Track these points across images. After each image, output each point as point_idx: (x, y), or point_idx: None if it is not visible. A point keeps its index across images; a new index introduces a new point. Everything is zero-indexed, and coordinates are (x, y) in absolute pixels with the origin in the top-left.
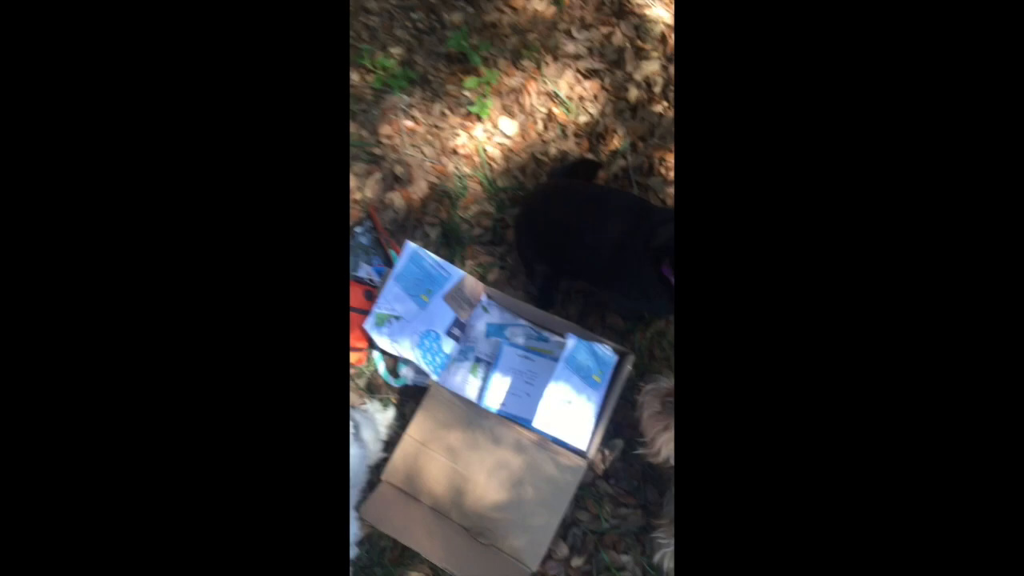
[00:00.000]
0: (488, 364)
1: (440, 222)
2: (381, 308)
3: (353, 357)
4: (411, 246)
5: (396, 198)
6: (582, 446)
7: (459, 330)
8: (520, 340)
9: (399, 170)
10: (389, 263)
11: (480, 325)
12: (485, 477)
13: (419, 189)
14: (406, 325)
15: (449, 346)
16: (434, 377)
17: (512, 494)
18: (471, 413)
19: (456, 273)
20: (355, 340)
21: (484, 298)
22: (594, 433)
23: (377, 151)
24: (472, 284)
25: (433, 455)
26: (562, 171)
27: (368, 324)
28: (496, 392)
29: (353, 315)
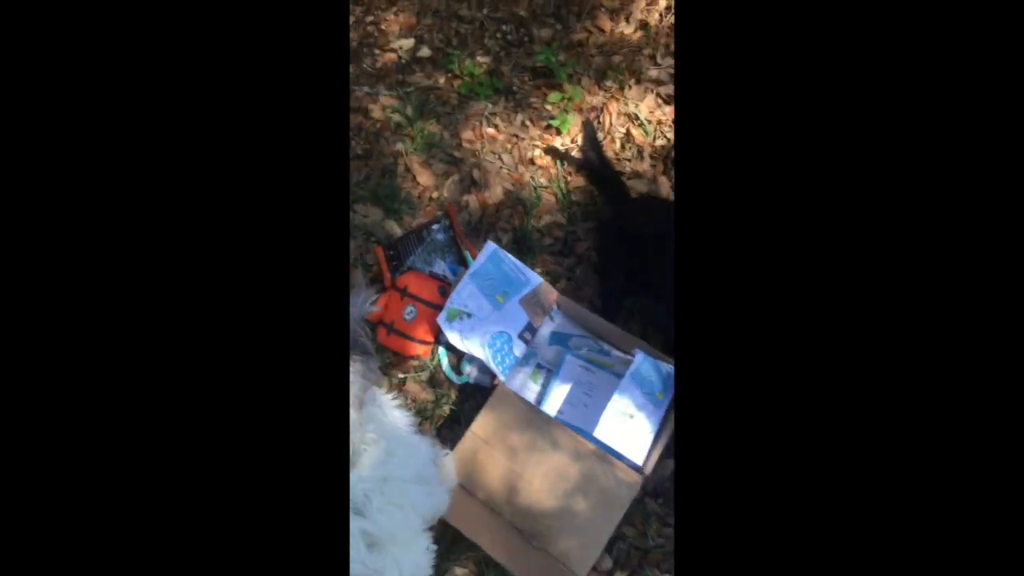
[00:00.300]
0: (548, 371)
1: (512, 229)
2: (454, 304)
3: (420, 350)
4: (491, 246)
5: (472, 201)
6: (639, 461)
7: (530, 334)
8: (583, 351)
9: (476, 174)
10: (463, 263)
11: (544, 332)
12: (541, 480)
13: (494, 195)
14: (478, 323)
15: (519, 349)
16: (501, 378)
17: (566, 501)
18: (534, 417)
19: (534, 279)
20: (423, 334)
21: (555, 311)
22: (651, 450)
23: (457, 154)
24: (548, 291)
25: (493, 453)
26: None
27: (440, 318)
28: (555, 400)
29: (425, 308)
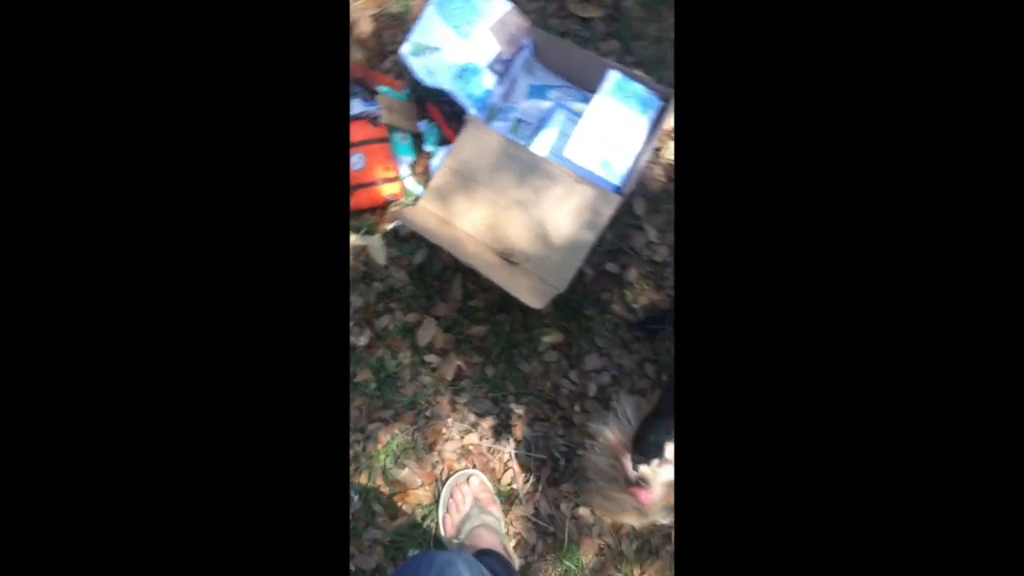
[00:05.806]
0: (530, 125)
1: None
2: (418, 37)
3: (389, 190)
4: None
5: None
6: (617, 180)
7: (501, 66)
8: (571, 104)
9: None
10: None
11: (522, 85)
12: (518, 208)
13: None
14: (444, 56)
15: (490, 81)
16: (472, 111)
17: (542, 224)
18: (507, 145)
19: (501, 4)
20: (386, 168)
21: (527, 41)
22: (632, 170)
23: None
24: (517, 19)
25: (468, 184)
26: None
27: (405, 50)
28: (540, 148)
29: (371, 146)
